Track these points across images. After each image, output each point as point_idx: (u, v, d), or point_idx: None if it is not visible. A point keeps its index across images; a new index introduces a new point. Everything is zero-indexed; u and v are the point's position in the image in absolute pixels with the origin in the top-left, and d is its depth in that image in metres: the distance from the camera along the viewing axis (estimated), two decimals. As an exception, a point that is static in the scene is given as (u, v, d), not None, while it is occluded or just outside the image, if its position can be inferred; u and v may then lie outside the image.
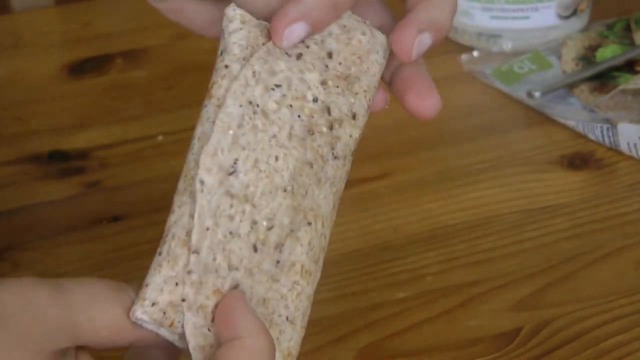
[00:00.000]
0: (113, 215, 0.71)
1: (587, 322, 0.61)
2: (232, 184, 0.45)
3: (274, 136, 0.46)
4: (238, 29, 0.47)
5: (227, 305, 0.44)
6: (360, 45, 0.49)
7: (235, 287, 0.44)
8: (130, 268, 0.66)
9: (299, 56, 0.48)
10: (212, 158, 0.45)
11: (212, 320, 0.44)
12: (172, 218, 0.45)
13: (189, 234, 0.44)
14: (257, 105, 0.46)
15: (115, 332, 0.43)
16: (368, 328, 0.61)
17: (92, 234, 0.70)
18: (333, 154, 0.48)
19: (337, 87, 0.48)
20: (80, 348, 0.45)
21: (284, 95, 0.47)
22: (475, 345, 0.60)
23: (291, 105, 0.47)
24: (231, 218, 0.45)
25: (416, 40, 0.48)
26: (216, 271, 0.44)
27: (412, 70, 0.50)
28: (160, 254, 0.44)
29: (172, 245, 0.44)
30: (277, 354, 0.45)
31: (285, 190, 0.46)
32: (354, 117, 0.49)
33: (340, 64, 0.49)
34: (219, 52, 0.47)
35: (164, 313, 0.43)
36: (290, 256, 0.46)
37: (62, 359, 0.43)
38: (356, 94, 0.49)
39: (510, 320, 0.61)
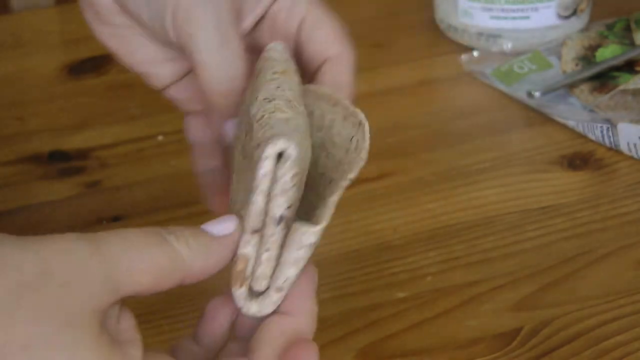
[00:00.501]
0: (113, 215, 0.71)
1: (587, 322, 0.61)
2: None
3: None
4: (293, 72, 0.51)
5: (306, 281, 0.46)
6: None
7: None
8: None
9: None
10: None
11: None
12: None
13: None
14: None
15: (157, 276, 0.43)
16: (368, 328, 0.61)
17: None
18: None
19: None
20: (123, 308, 0.44)
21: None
22: (475, 345, 0.60)
23: None
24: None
25: None
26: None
27: None
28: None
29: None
30: None
31: None
32: None
33: None
34: (294, 69, 0.51)
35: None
36: None
37: (105, 320, 0.42)
38: None
39: (510, 320, 0.61)
